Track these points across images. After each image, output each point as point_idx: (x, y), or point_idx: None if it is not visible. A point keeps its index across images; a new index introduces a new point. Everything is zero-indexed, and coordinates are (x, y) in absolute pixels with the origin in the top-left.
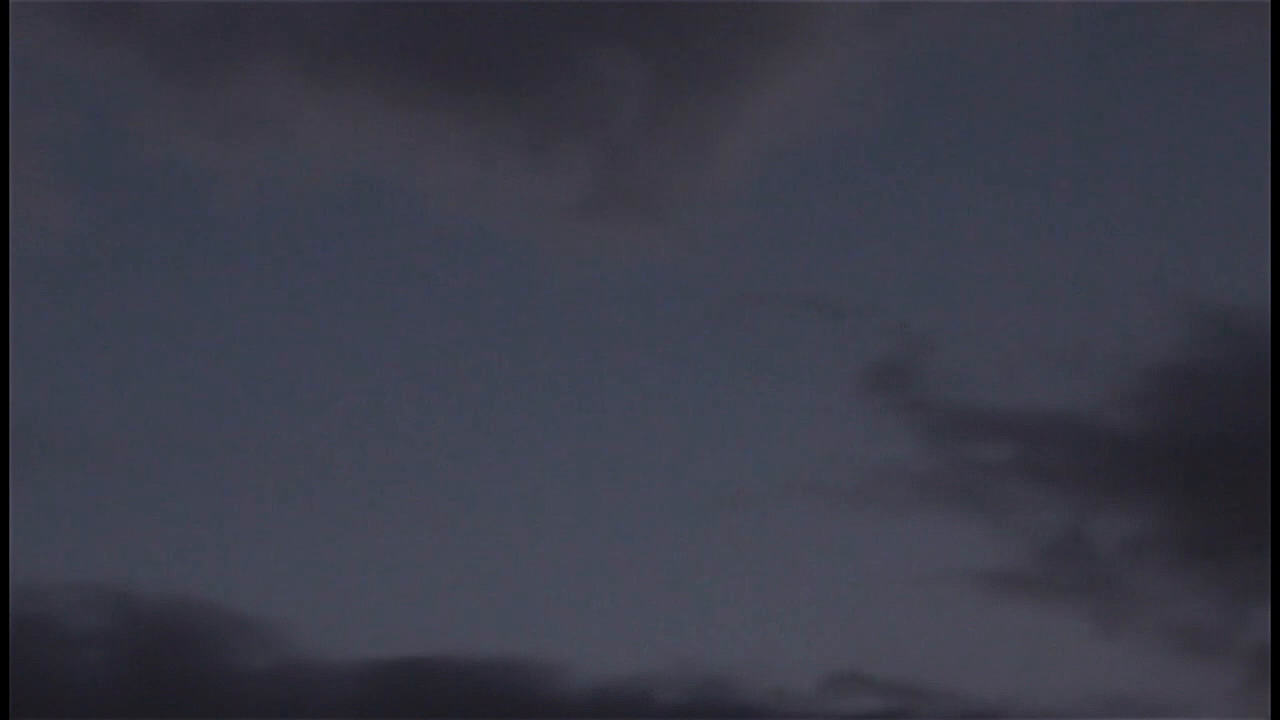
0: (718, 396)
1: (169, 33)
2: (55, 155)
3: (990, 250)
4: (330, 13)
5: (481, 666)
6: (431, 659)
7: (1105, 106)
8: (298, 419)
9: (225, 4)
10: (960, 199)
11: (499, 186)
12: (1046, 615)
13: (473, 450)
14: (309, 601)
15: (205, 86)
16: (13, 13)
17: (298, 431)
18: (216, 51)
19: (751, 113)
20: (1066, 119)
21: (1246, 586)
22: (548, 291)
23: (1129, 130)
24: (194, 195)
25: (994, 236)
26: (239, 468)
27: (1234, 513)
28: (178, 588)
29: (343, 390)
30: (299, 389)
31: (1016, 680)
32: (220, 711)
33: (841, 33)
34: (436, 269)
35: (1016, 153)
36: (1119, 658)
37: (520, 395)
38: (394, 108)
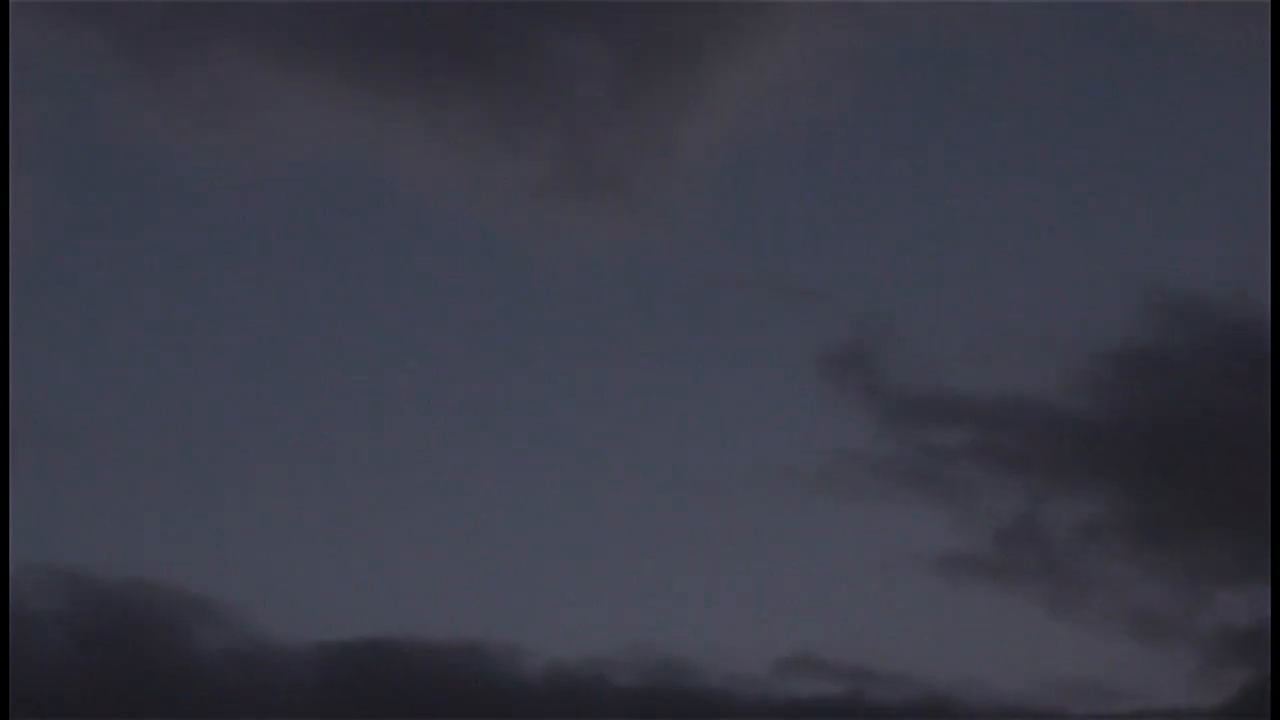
0: (678, 380)
1: (138, 17)
2: (24, 139)
3: (951, 236)
4: None
5: (438, 649)
6: (389, 641)
7: (1068, 95)
8: (257, 401)
9: None
10: (922, 186)
11: (466, 169)
12: (1002, 599)
13: (431, 434)
14: (266, 583)
15: (174, 71)
16: None
17: (256, 414)
18: (185, 36)
19: (717, 98)
20: (1029, 107)
21: (1202, 571)
22: (512, 273)
23: (1091, 118)
24: (162, 178)
25: (955, 223)
26: (197, 450)
27: (1190, 498)
28: (136, 569)
29: (302, 371)
30: (258, 370)
31: (972, 664)
32: (178, 692)
33: (809, 19)
34: (403, 251)
35: (979, 140)
36: (1074, 641)
37: (480, 379)
38: (362, 91)
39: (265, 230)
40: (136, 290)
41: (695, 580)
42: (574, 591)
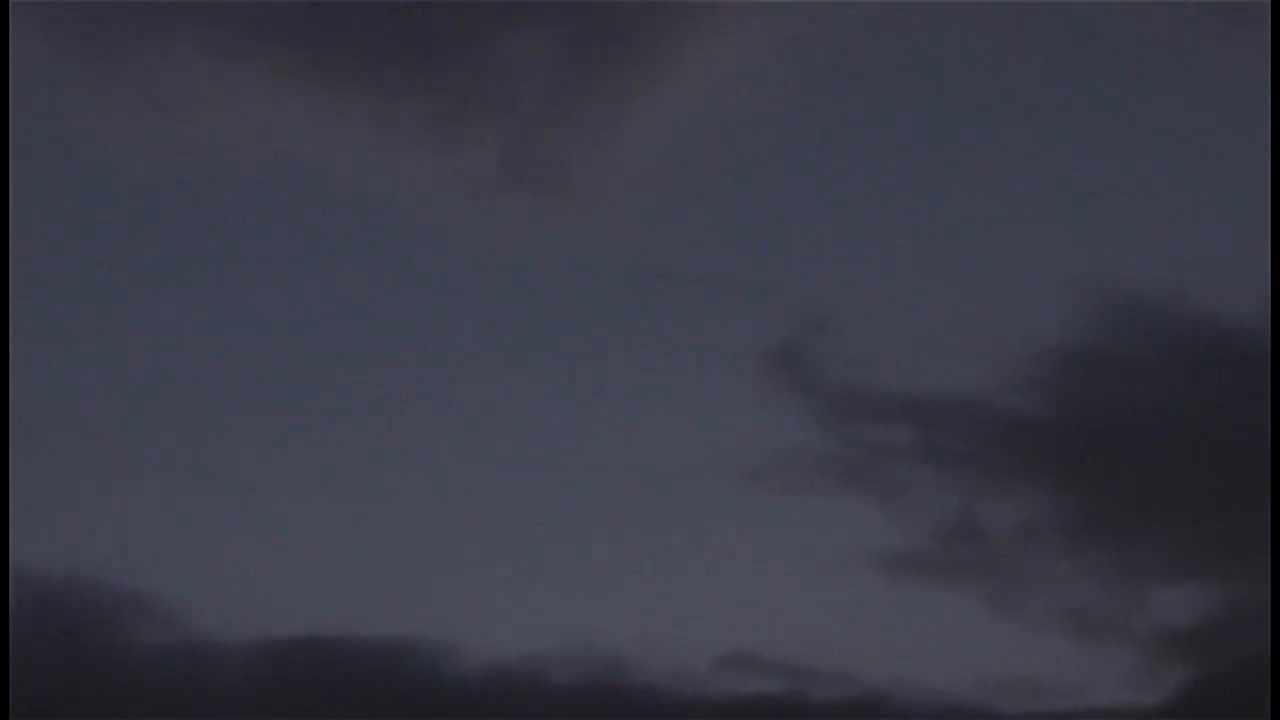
0: (619, 375)
1: (78, 8)
2: None
3: (891, 233)
4: None
5: (376, 646)
6: (327, 638)
7: (1006, 89)
8: (192, 393)
9: None
10: (864, 183)
11: (408, 165)
12: (942, 597)
13: (370, 428)
14: (203, 579)
15: (114, 62)
16: None
17: (193, 406)
18: (126, 27)
19: (658, 93)
20: (968, 102)
21: (1142, 569)
22: (456, 270)
23: (1034, 117)
24: (102, 170)
25: (896, 220)
26: (133, 442)
27: (1130, 495)
28: (72, 565)
29: (239, 364)
30: (194, 362)
31: (912, 662)
32: (114, 690)
33: (750, 14)
34: (344, 246)
35: (918, 136)
36: (1013, 640)
37: (419, 372)
38: (304, 86)
39: (204, 222)
40: (78, 283)
41: (635, 577)
42: (513, 589)
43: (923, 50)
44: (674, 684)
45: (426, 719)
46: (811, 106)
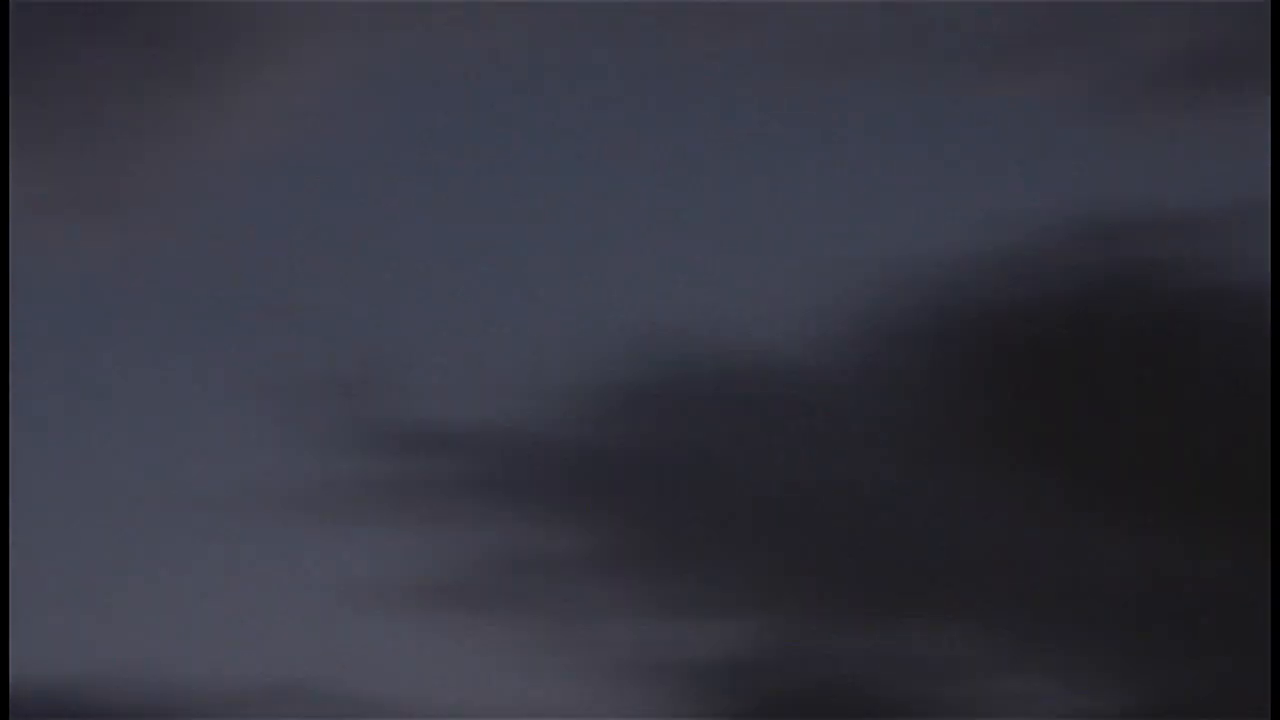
0: (167, 402)
1: None
2: None
3: (445, 266)
4: None
5: None
6: None
7: (569, 124)
8: None
9: None
10: (420, 212)
11: None
12: (488, 630)
13: None
14: None
15: None
16: None
17: None
18: None
19: (235, 114)
20: (541, 136)
21: (686, 604)
22: (14, 292)
23: (631, 151)
24: None
25: (450, 253)
26: None
27: (674, 530)
28: None
29: None
30: None
31: (460, 695)
32: None
33: (323, 39)
34: None
35: (494, 169)
36: (558, 674)
37: None
38: None
39: None
40: None
41: (178, 607)
42: (55, 611)
43: (489, 88)
44: (224, 714)
45: None
46: (386, 134)
